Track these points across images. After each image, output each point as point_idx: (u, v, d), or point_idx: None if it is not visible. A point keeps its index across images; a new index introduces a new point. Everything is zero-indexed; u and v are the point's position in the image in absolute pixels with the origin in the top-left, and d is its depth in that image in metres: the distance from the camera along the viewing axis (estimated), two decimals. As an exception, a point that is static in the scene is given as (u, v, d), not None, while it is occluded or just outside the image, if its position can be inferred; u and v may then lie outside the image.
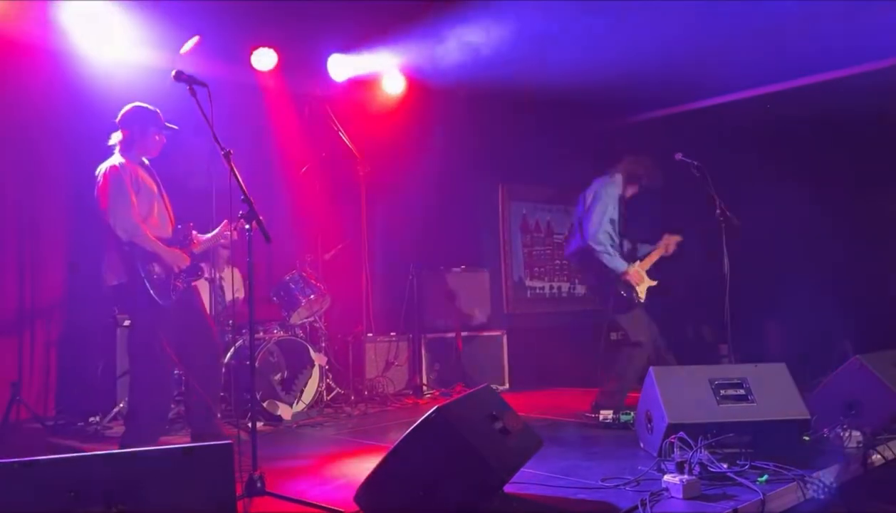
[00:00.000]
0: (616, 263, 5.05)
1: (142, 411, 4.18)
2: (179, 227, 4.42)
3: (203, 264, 4.57)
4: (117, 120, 4.32)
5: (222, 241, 4.64)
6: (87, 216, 5.83)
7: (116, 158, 4.23)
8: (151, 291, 4.06)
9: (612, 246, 5.07)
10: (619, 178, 5.26)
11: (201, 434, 4.21)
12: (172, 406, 4.97)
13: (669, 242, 5.36)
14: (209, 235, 4.53)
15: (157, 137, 4.34)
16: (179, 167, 4.89)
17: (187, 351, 4.28)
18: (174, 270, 4.21)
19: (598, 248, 5.03)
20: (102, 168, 4.20)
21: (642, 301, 5.13)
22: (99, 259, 4.27)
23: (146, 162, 4.38)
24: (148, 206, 4.25)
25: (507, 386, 6.87)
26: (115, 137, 4.30)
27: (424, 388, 6.63)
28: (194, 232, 4.47)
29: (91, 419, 5.25)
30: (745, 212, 5.74)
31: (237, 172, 3.42)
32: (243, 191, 3.38)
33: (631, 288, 5.08)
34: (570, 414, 5.25)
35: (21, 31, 5.27)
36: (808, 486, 3.05)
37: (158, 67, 5.73)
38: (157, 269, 4.14)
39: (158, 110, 4.35)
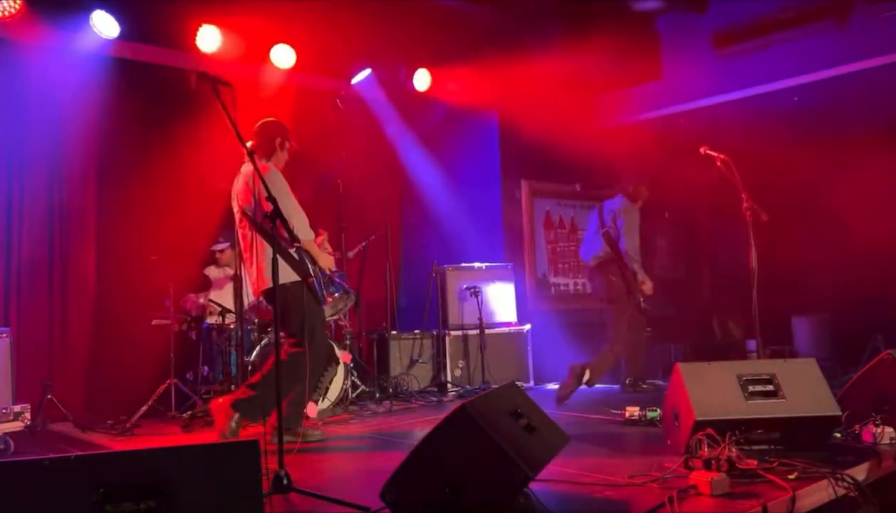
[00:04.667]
0: (642, 273, 6.05)
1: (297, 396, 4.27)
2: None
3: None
4: (257, 131, 4.48)
5: None
6: (117, 215, 5.96)
7: (269, 163, 4.40)
8: (318, 290, 4.30)
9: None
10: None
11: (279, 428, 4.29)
12: None
13: None
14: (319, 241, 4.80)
15: (290, 150, 4.57)
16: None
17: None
18: (327, 272, 4.47)
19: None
20: (263, 170, 4.17)
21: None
22: (242, 268, 4.58)
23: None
24: None
25: (531, 383, 6.84)
26: (255, 146, 4.42)
27: (448, 385, 6.63)
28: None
29: (120, 417, 5.32)
30: (773, 204, 5.67)
31: (261, 171, 3.45)
32: (267, 190, 3.40)
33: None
34: (596, 410, 5.22)
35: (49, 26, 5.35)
36: (839, 483, 3.00)
37: (180, 67, 5.84)
38: (317, 270, 4.37)
39: None
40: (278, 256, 4.12)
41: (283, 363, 4.28)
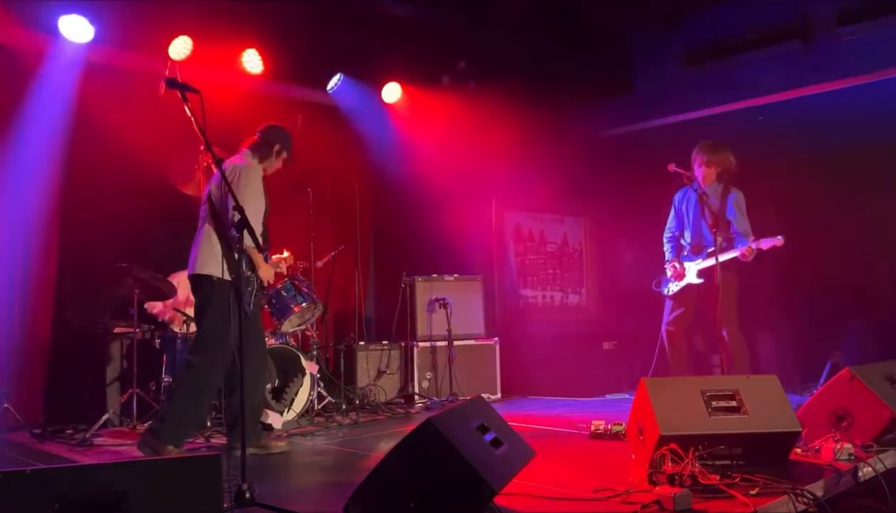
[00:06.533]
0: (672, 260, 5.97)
1: (187, 405, 4.23)
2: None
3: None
4: (262, 129, 4.55)
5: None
6: (79, 219, 5.85)
7: (251, 160, 4.42)
8: (244, 297, 4.16)
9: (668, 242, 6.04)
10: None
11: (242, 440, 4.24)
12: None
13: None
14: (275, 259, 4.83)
15: (283, 163, 4.62)
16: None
17: (243, 357, 4.30)
18: (263, 283, 4.43)
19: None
20: (238, 166, 4.31)
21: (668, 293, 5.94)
22: (194, 242, 4.39)
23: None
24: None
25: (498, 395, 6.85)
26: (252, 144, 4.50)
27: (416, 397, 6.61)
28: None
29: (80, 427, 5.22)
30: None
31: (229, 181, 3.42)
32: (235, 200, 3.37)
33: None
34: (562, 424, 5.24)
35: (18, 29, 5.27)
36: (799, 499, 3.04)
37: (150, 72, 5.76)
38: (253, 278, 4.31)
39: None
40: (219, 250, 4.27)
41: (184, 375, 4.39)
